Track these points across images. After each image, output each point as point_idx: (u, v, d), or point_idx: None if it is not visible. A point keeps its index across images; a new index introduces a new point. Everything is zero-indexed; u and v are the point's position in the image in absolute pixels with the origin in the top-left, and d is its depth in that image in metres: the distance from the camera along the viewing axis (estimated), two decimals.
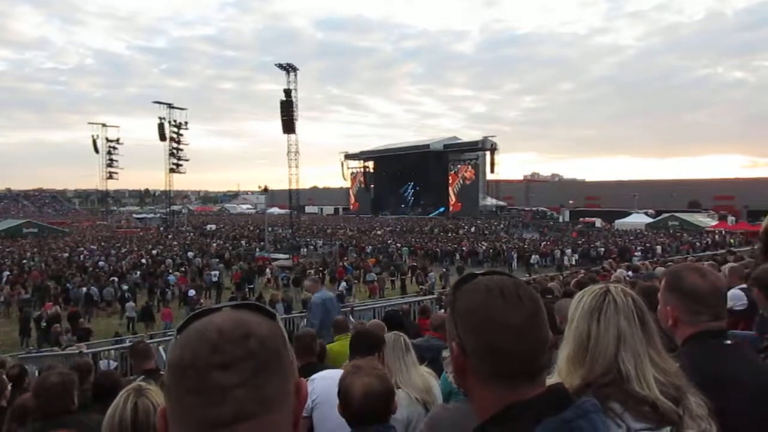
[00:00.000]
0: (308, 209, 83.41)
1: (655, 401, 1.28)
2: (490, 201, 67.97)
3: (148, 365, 4.24)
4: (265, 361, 0.74)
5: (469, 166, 67.21)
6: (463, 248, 34.14)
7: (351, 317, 10.22)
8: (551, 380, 1.07)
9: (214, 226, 57.03)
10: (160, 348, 8.99)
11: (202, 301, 19.36)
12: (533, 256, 30.75)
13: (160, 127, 55.36)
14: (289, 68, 41.40)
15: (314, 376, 2.99)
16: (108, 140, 66.27)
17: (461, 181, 68.39)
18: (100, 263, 28.84)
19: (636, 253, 30.19)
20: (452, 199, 69.57)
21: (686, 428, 1.26)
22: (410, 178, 77.20)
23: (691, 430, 1.26)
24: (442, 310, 9.08)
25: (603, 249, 32.31)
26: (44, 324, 16.09)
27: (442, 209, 69.17)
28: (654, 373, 1.33)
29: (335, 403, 2.08)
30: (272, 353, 0.76)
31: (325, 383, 2.71)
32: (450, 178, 69.58)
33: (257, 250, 34.95)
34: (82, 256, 32.74)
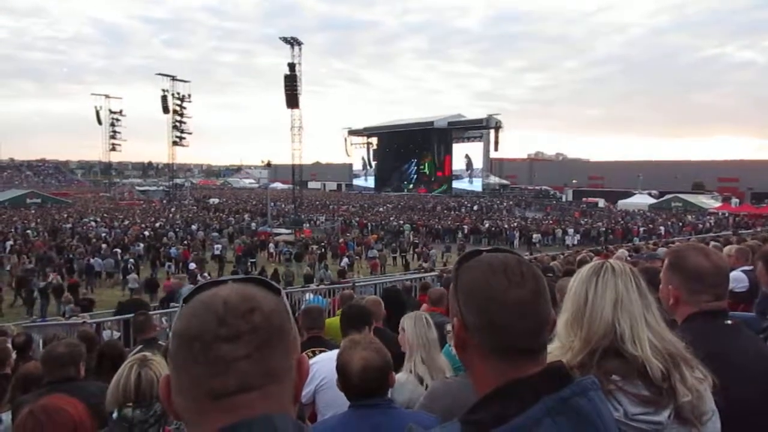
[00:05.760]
0: (311, 185, 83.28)
1: (644, 361, 1.29)
2: (494, 179, 67.79)
3: (147, 335, 4.31)
4: (269, 335, 0.77)
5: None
6: (465, 226, 34.18)
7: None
8: (552, 346, 1.06)
9: (216, 200, 57.08)
10: (163, 319, 9.08)
11: (206, 274, 19.42)
12: (535, 235, 30.70)
13: (163, 99, 55.06)
14: (293, 42, 40.85)
15: (315, 358, 2.95)
16: (111, 112, 66.11)
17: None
18: (103, 234, 28.95)
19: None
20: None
21: (681, 396, 1.28)
22: (413, 154, 76.85)
23: (685, 398, 1.28)
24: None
25: (605, 229, 32.33)
26: (48, 292, 16.32)
27: (444, 186, 69.10)
28: (650, 336, 1.35)
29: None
30: (276, 327, 0.78)
31: (329, 365, 2.55)
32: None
33: (257, 225, 34.96)
34: (85, 227, 32.91)
